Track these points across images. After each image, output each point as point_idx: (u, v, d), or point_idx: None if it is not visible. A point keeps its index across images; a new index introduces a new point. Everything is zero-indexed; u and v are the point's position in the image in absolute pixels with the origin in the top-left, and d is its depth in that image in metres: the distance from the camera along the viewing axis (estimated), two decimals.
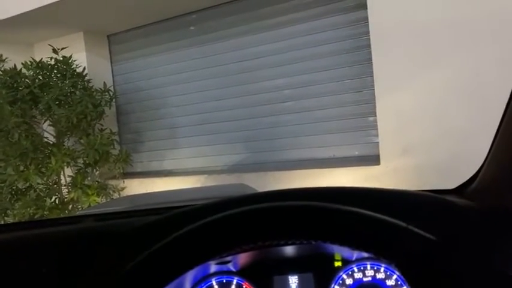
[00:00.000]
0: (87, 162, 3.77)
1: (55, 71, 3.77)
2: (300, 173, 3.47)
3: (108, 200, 3.84)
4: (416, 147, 2.95)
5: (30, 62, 3.71)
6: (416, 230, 0.43)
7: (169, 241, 0.51)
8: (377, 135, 3.21)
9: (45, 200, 3.59)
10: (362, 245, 0.44)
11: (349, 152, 3.52)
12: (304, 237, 0.44)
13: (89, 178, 3.92)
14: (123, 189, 4.14)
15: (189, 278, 0.79)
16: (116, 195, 4.00)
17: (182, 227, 0.51)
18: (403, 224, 0.43)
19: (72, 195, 3.67)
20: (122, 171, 4.20)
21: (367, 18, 3.14)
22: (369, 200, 0.47)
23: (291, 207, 0.45)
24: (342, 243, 0.44)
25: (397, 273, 0.75)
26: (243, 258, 0.76)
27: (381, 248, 0.43)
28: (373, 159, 3.25)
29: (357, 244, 0.44)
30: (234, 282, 0.79)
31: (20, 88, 3.61)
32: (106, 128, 3.97)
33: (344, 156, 3.53)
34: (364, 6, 3.19)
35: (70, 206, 3.72)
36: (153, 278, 0.50)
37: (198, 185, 3.82)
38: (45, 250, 0.73)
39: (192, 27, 4.15)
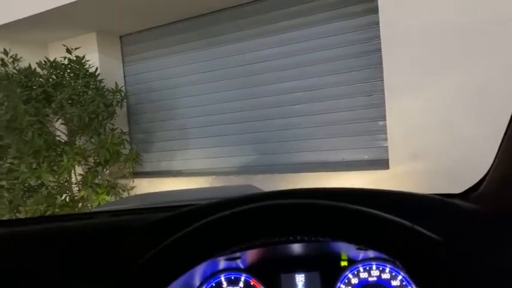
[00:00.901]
0: (98, 161, 3.82)
1: (68, 71, 3.83)
2: (309, 175, 3.48)
3: (117, 198, 3.88)
4: (426, 152, 2.94)
5: (44, 61, 3.77)
6: (421, 229, 0.45)
7: (180, 236, 0.53)
8: (386, 140, 3.21)
9: (56, 198, 3.65)
10: (367, 242, 0.45)
11: (358, 155, 3.52)
12: (311, 234, 0.46)
13: (99, 177, 3.97)
14: (132, 188, 4.18)
15: (198, 273, 0.81)
16: (125, 194, 4.04)
17: (193, 223, 0.53)
18: (409, 224, 0.45)
19: (82, 193, 3.72)
20: (131, 170, 4.24)
21: (377, 22, 3.15)
22: (375, 200, 0.48)
23: (300, 204, 0.47)
24: (348, 240, 0.45)
25: (403, 273, 0.76)
26: (251, 255, 0.78)
27: (386, 246, 0.44)
28: (382, 164, 3.25)
29: (362, 242, 0.45)
30: (242, 279, 0.81)
31: (34, 87, 3.67)
32: (117, 128, 4.02)
33: (353, 160, 3.53)
34: (375, 11, 3.20)
35: (80, 204, 3.77)
36: (164, 272, 0.51)
37: (206, 186, 3.85)
38: (60, 244, 0.75)
39: (203, 29, 4.18)
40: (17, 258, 0.73)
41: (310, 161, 3.73)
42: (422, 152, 2.95)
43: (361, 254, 0.78)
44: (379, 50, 3.17)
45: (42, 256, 0.72)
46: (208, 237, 0.52)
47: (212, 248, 0.52)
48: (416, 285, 0.44)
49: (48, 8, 3.70)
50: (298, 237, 0.46)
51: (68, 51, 3.81)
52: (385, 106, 3.14)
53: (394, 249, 0.44)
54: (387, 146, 3.18)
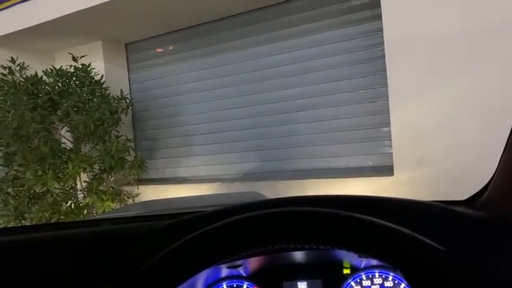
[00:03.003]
0: (103, 168, 3.83)
1: (74, 79, 3.86)
2: (313, 182, 3.47)
3: (122, 205, 3.89)
4: (430, 158, 2.92)
5: (50, 69, 3.81)
6: (421, 237, 0.44)
7: (182, 243, 0.53)
8: (391, 146, 3.20)
9: (62, 205, 3.67)
10: (367, 251, 0.45)
11: (362, 162, 3.51)
12: (311, 242, 0.46)
13: (104, 184, 3.98)
14: (137, 195, 4.19)
15: (200, 281, 0.81)
16: (130, 201, 4.05)
17: (195, 230, 0.53)
18: (409, 232, 0.45)
19: (87, 200, 3.73)
20: (136, 177, 4.26)
21: (381, 29, 3.15)
22: (375, 208, 0.48)
23: (299, 212, 0.47)
24: (348, 248, 0.45)
25: (406, 282, 0.76)
26: (253, 263, 0.78)
27: (386, 254, 0.44)
28: (387, 170, 3.23)
29: (362, 250, 0.45)
30: (244, 286, 0.81)
31: (40, 95, 3.71)
32: (122, 135, 4.04)
33: (357, 167, 3.52)
34: (379, 17, 3.21)
35: (85, 211, 3.78)
36: (166, 279, 0.51)
37: (211, 193, 3.85)
38: (64, 251, 0.76)
39: (207, 37, 4.21)
40: (22, 265, 0.73)
41: (314, 168, 3.72)
42: (427, 158, 2.93)
43: (363, 262, 0.78)
44: (383, 56, 3.18)
45: (46, 263, 0.73)
46: (210, 245, 0.52)
47: (214, 256, 0.52)
48: None
49: (55, 17, 3.74)
50: (299, 246, 0.46)
51: (74, 59, 3.84)
52: (389, 112, 3.13)
53: (394, 257, 0.44)
54: (391, 153, 3.17)
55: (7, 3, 4.01)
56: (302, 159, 3.79)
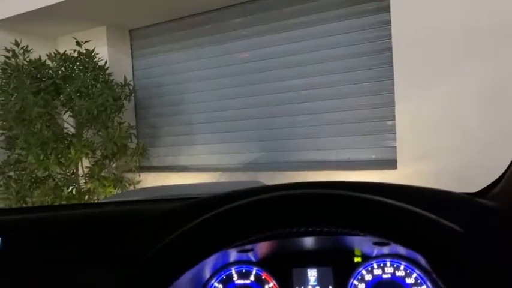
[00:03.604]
0: (105, 154, 3.82)
1: (77, 64, 3.84)
2: (315, 174, 3.46)
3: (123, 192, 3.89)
4: (435, 152, 2.91)
5: (54, 53, 3.78)
6: (446, 222, 0.44)
7: (195, 225, 0.52)
8: (395, 139, 3.18)
9: (63, 190, 3.66)
10: (391, 235, 0.44)
11: (365, 155, 3.50)
12: (333, 225, 0.45)
13: (106, 170, 3.98)
14: (138, 182, 4.19)
15: (209, 266, 0.80)
16: (131, 188, 4.05)
17: (205, 213, 0.52)
18: (434, 217, 0.44)
19: (89, 185, 3.74)
20: (138, 164, 4.25)
21: (389, 21, 3.12)
22: (400, 193, 0.47)
23: (322, 195, 0.46)
24: (372, 233, 0.44)
25: (418, 271, 0.75)
26: (263, 248, 0.77)
27: (411, 239, 0.44)
28: (390, 164, 3.22)
29: (385, 234, 0.44)
30: (253, 272, 0.80)
31: (44, 79, 3.68)
32: (124, 122, 4.03)
33: (360, 160, 3.51)
34: (386, 9, 3.17)
35: (86, 197, 3.78)
36: (175, 263, 0.50)
37: (212, 181, 3.85)
38: (70, 231, 0.75)
39: (212, 25, 4.18)
40: (28, 244, 0.72)
41: (316, 160, 3.71)
42: (432, 152, 2.92)
43: (375, 250, 0.77)
44: (390, 49, 3.15)
45: (52, 243, 0.72)
46: (221, 228, 0.51)
47: (224, 239, 0.51)
48: (440, 279, 0.43)
49: (60, 1, 3.71)
50: (320, 229, 0.45)
51: (78, 44, 3.81)
52: (394, 106, 3.11)
53: (419, 242, 0.43)
54: (395, 146, 3.16)
55: None
56: (304, 151, 3.78)
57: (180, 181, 4.06)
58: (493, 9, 2.69)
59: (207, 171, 4.11)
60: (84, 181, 3.88)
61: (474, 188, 0.74)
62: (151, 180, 4.26)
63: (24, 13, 3.94)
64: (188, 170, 4.30)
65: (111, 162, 4.00)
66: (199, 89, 4.29)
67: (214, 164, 4.23)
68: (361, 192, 0.45)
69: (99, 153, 3.89)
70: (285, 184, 0.50)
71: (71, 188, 3.77)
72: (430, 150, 2.93)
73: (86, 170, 3.89)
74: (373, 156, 3.47)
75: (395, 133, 3.15)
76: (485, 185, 0.78)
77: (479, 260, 0.42)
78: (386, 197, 0.45)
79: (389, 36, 3.13)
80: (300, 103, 3.78)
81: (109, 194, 3.69)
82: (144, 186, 4.23)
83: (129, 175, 4.15)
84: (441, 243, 0.43)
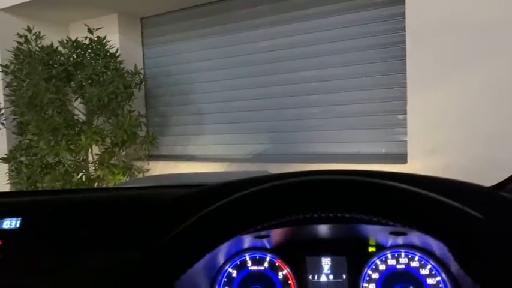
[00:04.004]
0: (115, 142, 3.85)
1: (89, 51, 3.85)
2: (324, 167, 3.44)
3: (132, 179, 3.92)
4: (446, 147, 2.89)
5: (66, 40, 3.80)
6: (469, 210, 0.44)
7: (210, 211, 0.52)
8: (405, 134, 3.16)
9: (73, 176, 3.70)
10: (415, 223, 0.44)
11: (376, 149, 3.48)
12: (357, 211, 0.45)
13: (115, 157, 4.01)
14: (147, 170, 4.21)
15: (223, 251, 0.80)
16: (140, 176, 4.08)
17: (222, 199, 0.52)
18: (457, 204, 0.44)
19: (98, 173, 3.77)
20: (147, 152, 4.27)
21: (403, 13, 3.08)
22: (423, 182, 0.47)
23: (348, 181, 0.46)
24: (395, 220, 0.44)
25: (432, 262, 0.75)
26: (278, 235, 0.77)
27: (434, 226, 0.43)
28: (400, 158, 3.21)
29: (410, 222, 0.44)
30: (267, 259, 0.81)
31: (55, 65, 3.70)
32: (135, 110, 4.04)
33: (370, 153, 3.50)
34: (400, 2, 3.13)
35: (96, 184, 3.81)
36: (191, 248, 0.50)
37: (221, 171, 3.86)
38: (88, 213, 0.76)
39: (223, 15, 4.15)
40: (46, 225, 0.73)
41: (325, 152, 3.70)
42: (442, 147, 2.90)
43: (390, 241, 0.77)
44: (403, 42, 3.11)
45: (69, 224, 0.73)
46: (236, 214, 0.51)
47: (240, 225, 0.52)
48: (462, 266, 0.43)
49: None
50: (343, 215, 0.45)
51: (90, 31, 3.82)
52: (405, 100, 3.09)
53: (443, 230, 0.43)
54: (406, 141, 3.14)
55: None
56: (314, 143, 3.76)
57: (188, 170, 4.08)
58: (508, 4, 2.64)
59: (215, 161, 4.12)
60: (93, 168, 3.91)
61: (484, 183, 0.73)
62: (160, 169, 4.28)
63: None
64: (197, 160, 4.31)
65: (121, 150, 4.03)
66: (210, 79, 4.28)
67: (223, 154, 4.23)
68: (386, 180, 0.45)
69: (109, 141, 3.92)
70: (314, 171, 0.50)
71: (80, 174, 3.81)
72: (440, 145, 2.90)
73: (95, 157, 3.92)
74: (383, 150, 3.46)
75: (406, 127, 3.12)
76: (502, 179, 0.78)
77: (500, 247, 0.43)
78: (411, 185, 0.45)
79: (404, 29, 3.09)
80: (310, 95, 3.76)
81: (118, 181, 3.72)
82: (153, 174, 4.25)
83: (138, 163, 4.18)
84: (464, 230, 0.43)
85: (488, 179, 0.74)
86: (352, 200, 0.45)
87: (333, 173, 0.48)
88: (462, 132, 2.84)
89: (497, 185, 0.76)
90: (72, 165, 3.80)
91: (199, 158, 4.36)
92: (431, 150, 2.94)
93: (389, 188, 0.44)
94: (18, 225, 0.72)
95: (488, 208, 0.49)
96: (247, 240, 0.79)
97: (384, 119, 3.43)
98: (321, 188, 0.47)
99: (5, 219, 0.72)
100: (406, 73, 3.06)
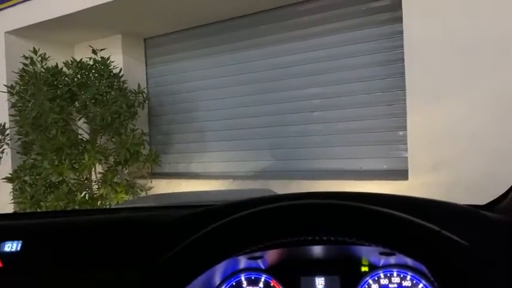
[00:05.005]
0: (118, 160, 3.88)
1: (93, 71, 3.92)
2: (326, 183, 3.46)
3: (135, 198, 3.93)
4: (446, 164, 2.89)
5: (70, 61, 3.87)
6: (449, 234, 0.45)
7: (206, 232, 0.54)
8: (406, 150, 3.17)
9: (76, 195, 3.72)
10: (394, 245, 0.46)
11: (377, 165, 3.49)
12: (338, 235, 0.46)
13: (118, 176, 4.03)
14: (150, 188, 4.23)
15: (219, 272, 0.82)
16: (143, 194, 4.10)
17: (218, 221, 0.54)
18: (436, 228, 0.45)
19: (101, 191, 3.79)
20: (150, 171, 4.30)
21: (401, 31, 3.13)
22: (404, 205, 0.49)
23: (329, 205, 0.48)
24: (375, 242, 0.46)
25: (424, 282, 0.76)
26: (272, 256, 0.79)
27: (413, 249, 0.45)
28: (402, 174, 3.21)
29: (389, 244, 0.46)
30: (262, 279, 0.82)
31: (60, 86, 3.77)
32: (138, 128, 4.09)
33: (372, 169, 3.50)
34: (399, 20, 3.18)
35: (99, 202, 3.83)
36: (187, 269, 0.52)
37: (224, 189, 3.87)
38: (88, 235, 0.78)
39: (225, 35, 4.23)
40: (47, 248, 0.75)
41: (327, 169, 3.71)
42: (443, 163, 2.90)
43: (382, 260, 0.78)
44: (402, 59, 3.15)
45: (69, 247, 0.75)
46: (233, 235, 0.53)
47: (235, 246, 0.53)
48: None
49: (76, 10, 3.80)
50: (325, 238, 0.47)
51: (94, 52, 3.90)
52: (405, 116, 3.11)
53: (421, 252, 0.44)
54: (407, 157, 3.15)
55: None
56: (316, 160, 3.78)
57: (191, 188, 4.10)
58: (505, 20, 2.68)
59: (218, 179, 4.13)
60: (97, 187, 3.94)
61: (485, 199, 0.74)
62: (163, 187, 4.30)
63: (43, 21, 4.05)
64: (200, 177, 4.33)
65: (124, 169, 4.06)
66: (212, 97, 4.33)
67: (226, 171, 4.25)
68: (366, 203, 0.47)
69: (112, 160, 3.95)
70: (291, 194, 0.52)
71: (84, 193, 3.83)
72: (441, 161, 2.91)
73: (99, 176, 3.95)
74: (385, 166, 3.46)
75: (407, 143, 3.14)
76: (494, 198, 0.79)
77: (483, 274, 0.43)
78: (391, 208, 0.47)
79: (402, 46, 3.14)
80: (312, 112, 3.79)
81: (121, 199, 3.74)
82: (156, 192, 4.27)
83: (141, 181, 4.20)
84: (444, 254, 0.44)
85: (491, 195, 0.74)
86: (335, 224, 0.46)
87: (315, 196, 0.50)
88: (462, 148, 2.85)
89: (488, 204, 0.77)
90: (75, 184, 3.83)
91: (202, 175, 4.38)
92: (432, 166, 2.94)
93: (369, 211, 0.46)
94: (19, 248, 0.73)
95: (469, 231, 0.50)
96: (243, 261, 0.80)
97: (385, 135, 3.45)
98: (304, 212, 0.48)
99: (6, 242, 0.74)
100: (405, 90, 3.09)
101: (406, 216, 0.45)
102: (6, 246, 0.74)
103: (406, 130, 3.14)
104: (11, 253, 0.73)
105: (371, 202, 0.48)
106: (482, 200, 0.75)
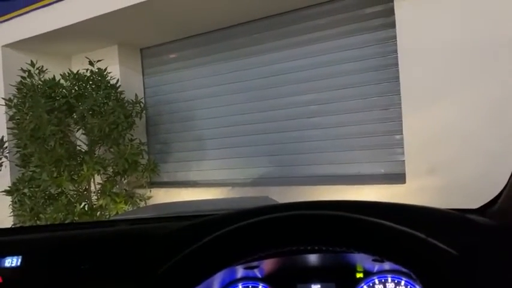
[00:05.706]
0: (117, 170, 3.88)
1: (90, 83, 3.94)
2: (324, 188, 3.47)
3: (134, 208, 3.94)
4: (443, 167, 2.91)
5: (68, 73, 3.89)
6: (435, 242, 0.46)
7: (202, 244, 0.55)
8: (403, 154, 3.19)
9: (76, 206, 3.72)
10: (382, 253, 0.47)
11: (374, 169, 3.51)
12: (327, 244, 0.48)
13: (117, 186, 4.03)
14: (149, 198, 4.23)
15: (216, 282, 0.83)
16: (142, 204, 4.10)
17: (213, 232, 0.55)
18: (423, 236, 0.46)
19: (101, 202, 3.79)
20: (149, 180, 4.30)
21: (395, 36, 3.16)
22: (390, 212, 0.50)
23: (318, 215, 0.49)
24: (363, 251, 0.47)
25: (418, 286, 0.77)
26: (268, 265, 0.80)
27: (400, 257, 0.46)
28: (399, 178, 3.23)
29: (376, 253, 0.47)
30: None
31: (58, 98, 3.78)
32: (136, 138, 4.09)
33: (369, 174, 3.52)
34: (392, 25, 3.22)
35: (98, 213, 3.83)
36: (184, 280, 0.53)
37: (223, 197, 3.87)
38: (86, 249, 0.79)
39: (221, 43, 4.26)
40: (47, 262, 0.76)
41: (325, 174, 3.72)
42: (440, 166, 2.92)
43: (376, 266, 0.79)
44: (396, 64, 3.18)
45: (69, 260, 0.76)
46: (228, 246, 0.54)
47: (231, 257, 0.54)
48: None
49: (73, 22, 3.83)
50: (315, 247, 0.48)
51: (91, 63, 3.92)
52: (401, 120, 3.13)
53: (408, 260, 0.45)
54: (404, 160, 3.17)
55: (27, 9, 4.11)
56: (313, 165, 3.79)
57: (190, 196, 4.10)
58: (498, 26, 2.71)
59: (217, 187, 4.14)
60: (96, 197, 3.94)
61: (484, 201, 0.75)
62: (162, 196, 4.30)
63: (40, 34, 4.07)
64: (198, 186, 4.34)
65: (123, 179, 4.06)
66: (209, 105, 4.36)
67: (224, 179, 4.26)
68: (356, 211, 0.48)
69: (111, 170, 3.96)
70: (277, 205, 0.54)
71: (83, 204, 3.83)
72: (438, 164, 2.93)
73: (97, 187, 3.95)
74: (382, 171, 3.48)
75: (403, 147, 3.16)
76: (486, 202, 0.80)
77: (471, 281, 0.44)
78: (378, 216, 0.48)
79: (396, 51, 3.17)
80: (309, 118, 3.81)
81: (120, 210, 3.74)
82: (155, 201, 4.27)
83: (140, 191, 4.20)
84: (431, 262, 0.45)
85: (487, 198, 0.75)
86: (324, 234, 0.48)
87: (300, 207, 0.51)
88: (459, 151, 2.87)
89: (479, 208, 0.77)
90: (74, 196, 3.83)
91: (201, 183, 4.39)
92: (429, 169, 2.96)
93: (355, 220, 0.47)
94: (19, 263, 0.75)
95: (457, 237, 0.51)
96: (240, 271, 0.82)
97: (381, 139, 3.47)
98: (294, 223, 0.50)
99: (6, 258, 0.75)
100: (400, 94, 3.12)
101: (392, 224, 0.47)
102: (7, 261, 0.75)
103: (402, 134, 3.16)
104: (11, 268, 0.74)
105: (360, 211, 0.49)
106: (479, 202, 0.77)
